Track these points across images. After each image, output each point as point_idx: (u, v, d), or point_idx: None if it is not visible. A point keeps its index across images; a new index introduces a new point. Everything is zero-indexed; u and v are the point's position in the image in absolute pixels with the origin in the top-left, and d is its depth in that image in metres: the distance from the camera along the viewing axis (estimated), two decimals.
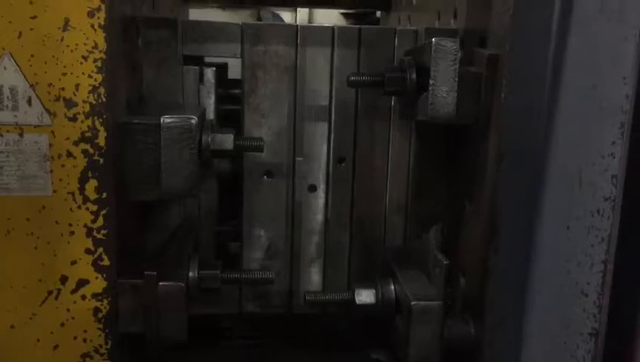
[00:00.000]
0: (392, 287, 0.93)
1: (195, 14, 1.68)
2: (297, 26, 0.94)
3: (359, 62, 0.95)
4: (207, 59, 0.98)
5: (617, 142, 0.63)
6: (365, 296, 0.93)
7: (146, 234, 0.95)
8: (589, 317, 0.67)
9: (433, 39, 0.78)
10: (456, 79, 0.78)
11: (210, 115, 0.95)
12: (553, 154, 0.77)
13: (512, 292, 0.82)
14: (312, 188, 0.97)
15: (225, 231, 1.01)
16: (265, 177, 0.96)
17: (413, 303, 0.84)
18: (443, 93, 0.78)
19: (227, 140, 0.86)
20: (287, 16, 1.69)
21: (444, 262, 0.86)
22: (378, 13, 1.50)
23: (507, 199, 0.80)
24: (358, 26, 0.97)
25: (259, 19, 1.66)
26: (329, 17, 1.70)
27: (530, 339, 0.81)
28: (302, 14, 1.69)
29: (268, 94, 0.94)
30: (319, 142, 0.97)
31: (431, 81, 0.78)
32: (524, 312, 0.82)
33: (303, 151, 0.97)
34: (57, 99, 0.74)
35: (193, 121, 0.79)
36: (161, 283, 0.81)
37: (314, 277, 1.00)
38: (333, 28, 0.95)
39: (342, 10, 1.65)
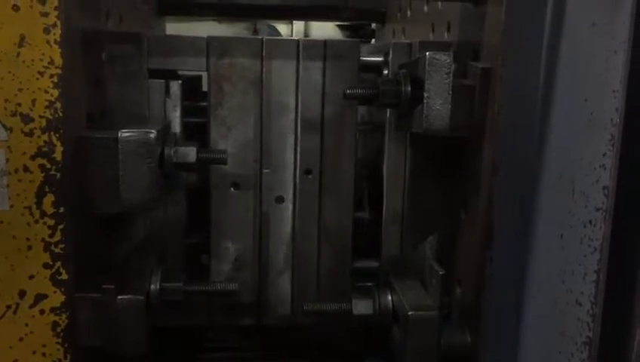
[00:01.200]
0: (390, 297, 0.94)
1: (185, 28, 1.70)
2: (262, 39, 0.95)
3: (325, 75, 0.97)
4: (182, 72, 0.99)
5: (608, 154, 0.64)
6: (363, 307, 0.94)
7: (111, 248, 0.96)
8: (583, 325, 0.68)
9: (427, 53, 0.79)
10: (450, 92, 0.79)
11: (177, 127, 0.96)
12: (546, 165, 0.78)
13: (507, 301, 0.83)
14: (280, 200, 0.98)
15: (194, 243, 1.01)
16: (232, 189, 0.97)
17: (410, 313, 0.85)
18: (437, 105, 0.79)
19: (190, 153, 0.87)
20: (283, 28, 1.70)
21: (440, 273, 0.86)
22: (373, 26, 1.52)
23: (502, 209, 0.81)
24: (323, 39, 0.99)
25: (255, 32, 1.67)
26: (325, 30, 1.72)
27: (526, 348, 0.82)
28: (298, 27, 1.71)
29: (234, 107, 0.95)
30: (286, 153, 0.97)
31: (425, 94, 0.79)
32: (520, 321, 0.83)
33: (270, 162, 0.97)
34: (14, 114, 0.75)
35: (151, 135, 0.79)
36: (119, 297, 0.81)
37: (283, 288, 1.00)
38: (298, 41, 0.97)
39: (337, 23, 1.66)
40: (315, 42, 0.98)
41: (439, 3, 1.01)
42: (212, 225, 0.97)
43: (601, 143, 0.65)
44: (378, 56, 1.05)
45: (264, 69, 0.95)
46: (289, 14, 1.55)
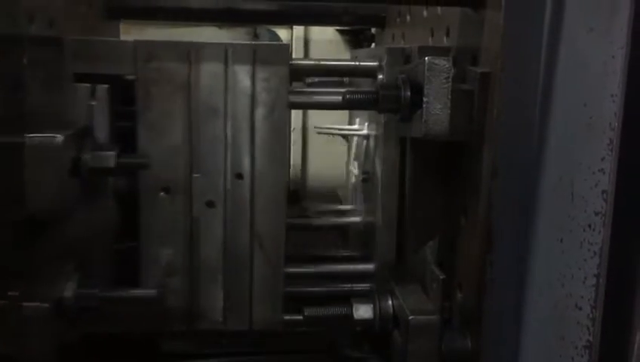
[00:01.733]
0: (390, 302, 0.94)
1: (187, 33, 1.70)
2: (190, 42, 0.95)
3: (254, 79, 0.97)
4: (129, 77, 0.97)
5: (607, 158, 0.64)
6: (363, 311, 0.94)
7: (27, 254, 0.91)
8: (583, 329, 0.68)
9: (426, 58, 0.80)
10: (450, 96, 0.79)
11: (104, 132, 0.95)
12: (546, 169, 0.78)
13: (508, 305, 0.83)
14: (211, 204, 0.97)
15: (127, 248, 1.00)
16: (162, 194, 0.96)
17: (410, 318, 0.85)
18: (437, 110, 0.80)
19: (108, 158, 0.87)
20: (283, 33, 1.70)
21: (441, 277, 0.87)
22: (373, 30, 1.52)
23: (502, 213, 0.81)
24: (252, 43, 1.00)
25: (255, 36, 1.67)
26: (325, 34, 1.72)
27: (526, 352, 0.82)
28: (298, 31, 1.71)
29: (162, 111, 0.95)
30: (216, 157, 0.97)
31: (424, 99, 0.80)
32: (520, 325, 0.83)
33: (200, 167, 0.96)
34: None
35: (58, 140, 0.79)
36: (25, 304, 0.79)
37: (215, 294, 1.00)
38: (226, 45, 0.96)
39: (337, 28, 1.67)
40: (244, 46, 0.98)
41: (438, 8, 1.01)
42: (141, 231, 0.96)
43: (600, 147, 0.65)
44: (374, 61, 1.05)
45: (192, 73, 0.94)
46: (289, 19, 1.55)
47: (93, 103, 0.94)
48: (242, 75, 0.97)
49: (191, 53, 0.94)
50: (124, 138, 0.97)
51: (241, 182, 1.00)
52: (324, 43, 1.72)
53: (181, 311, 0.99)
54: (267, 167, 1.00)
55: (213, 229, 0.98)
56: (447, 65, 0.79)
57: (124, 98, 0.99)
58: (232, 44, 0.98)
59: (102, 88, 0.94)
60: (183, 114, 0.95)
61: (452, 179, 0.94)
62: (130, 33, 1.71)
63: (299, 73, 1.07)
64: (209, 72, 0.95)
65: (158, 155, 0.94)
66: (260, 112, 0.98)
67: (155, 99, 0.94)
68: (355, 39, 1.66)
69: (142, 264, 0.97)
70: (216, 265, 0.99)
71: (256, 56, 0.97)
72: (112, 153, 0.87)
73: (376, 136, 1.10)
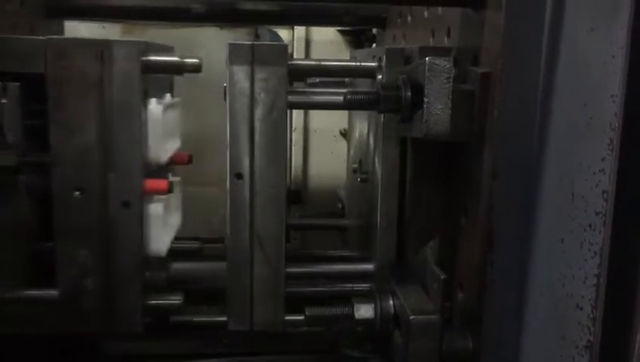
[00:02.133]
0: (391, 302, 0.94)
1: (187, 33, 1.71)
2: (103, 40, 0.93)
3: (253, 79, 0.97)
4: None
5: (607, 158, 0.64)
6: (364, 311, 0.94)
7: None
8: (583, 329, 0.68)
9: (427, 58, 0.80)
10: (450, 97, 0.79)
11: (16, 131, 0.92)
12: (546, 169, 0.78)
13: (509, 305, 0.83)
14: (127, 205, 0.95)
15: (43, 249, 0.98)
16: (76, 193, 0.94)
17: (411, 317, 0.85)
18: (437, 110, 0.80)
19: (11, 157, 0.86)
20: (284, 34, 1.71)
21: (442, 277, 0.87)
22: (374, 30, 1.52)
23: (502, 213, 0.81)
24: (250, 43, 0.99)
25: (257, 37, 1.68)
26: (326, 35, 1.72)
27: (527, 352, 0.82)
28: (299, 32, 1.71)
29: (75, 110, 0.92)
30: (132, 157, 0.94)
31: (425, 99, 0.80)
32: (521, 325, 0.83)
33: (115, 167, 0.94)
34: None
35: None
36: None
37: (133, 295, 0.97)
38: (138, 42, 0.94)
39: (339, 28, 1.67)
40: (242, 46, 0.98)
41: (439, 8, 1.01)
42: (56, 231, 0.94)
43: (601, 148, 0.65)
44: (373, 62, 1.05)
45: (105, 72, 0.92)
46: (290, 20, 1.56)
47: (3, 102, 0.91)
48: (241, 75, 0.97)
49: (104, 51, 0.91)
50: (39, 137, 0.94)
51: (241, 182, 1.00)
52: (325, 43, 1.72)
53: (97, 313, 0.96)
54: (266, 167, 1.00)
55: (130, 229, 0.95)
56: (447, 66, 0.79)
57: (38, 96, 0.95)
58: (231, 44, 0.98)
59: (13, 86, 0.92)
60: (96, 113, 0.92)
61: (452, 179, 0.94)
62: (133, 34, 1.72)
63: (299, 73, 1.07)
64: (122, 70, 0.92)
65: (71, 154, 0.92)
66: (259, 112, 0.98)
67: (67, 97, 0.92)
68: (356, 40, 1.67)
69: (57, 264, 0.94)
70: (134, 266, 0.96)
71: (254, 56, 0.97)
72: (9, 153, 0.86)
73: (375, 137, 1.10)
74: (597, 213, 0.66)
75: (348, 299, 1.00)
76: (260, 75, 0.97)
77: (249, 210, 1.00)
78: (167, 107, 1.04)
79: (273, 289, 1.02)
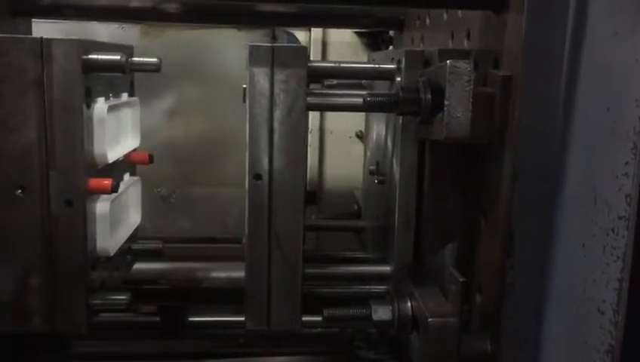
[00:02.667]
0: (409, 304, 0.94)
1: (204, 34, 1.72)
2: (42, 38, 0.92)
3: (272, 81, 0.97)
4: None
5: (631, 163, 0.64)
6: (382, 313, 0.94)
7: None
8: (605, 334, 0.68)
9: (448, 61, 0.80)
10: (471, 100, 0.79)
11: None
12: (568, 173, 0.78)
13: (528, 309, 0.83)
14: (69, 203, 0.93)
15: None
16: (18, 192, 0.93)
17: (430, 320, 0.85)
18: (458, 113, 0.80)
19: None
20: (301, 35, 1.71)
21: (460, 280, 0.87)
22: (391, 33, 1.52)
23: (522, 217, 0.81)
24: (270, 45, 0.99)
25: (274, 38, 1.68)
26: (343, 36, 1.73)
27: (547, 356, 0.82)
28: (315, 33, 1.72)
29: (14, 108, 0.92)
30: (75, 155, 0.93)
31: (446, 102, 0.80)
32: (541, 329, 0.83)
33: (56, 165, 0.93)
34: None
35: None
36: None
37: (77, 294, 0.96)
38: (79, 40, 0.93)
39: (355, 30, 1.67)
40: (262, 48, 0.98)
41: (459, 11, 1.01)
42: None
43: (624, 152, 0.65)
44: (392, 64, 1.05)
45: (45, 69, 0.91)
46: (307, 21, 1.56)
47: None
48: (260, 76, 0.98)
49: (43, 49, 0.91)
50: None
51: (260, 183, 1.00)
52: (342, 45, 1.72)
53: (40, 312, 0.96)
54: (285, 168, 1.00)
55: (73, 228, 0.94)
56: (468, 69, 0.79)
57: None
58: (251, 46, 0.99)
59: None
60: (37, 111, 0.92)
61: (471, 181, 0.94)
62: (149, 35, 1.74)
63: (317, 75, 1.08)
64: (62, 68, 0.91)
65: (12, 152, 0.92)
66: (278, 114, 0.99)
67: (6, 95, 0.91)
68: (373, 41, 1.67)
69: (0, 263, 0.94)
70: (77, 265, 0.95)
71: (274, 58, 0.98)
72: None
73: (393, 138, 1.10)
74: (620, 218, 0.66)
75: (364, 300, 1.00)
76: (279, 76, 0.98)
77: (267, 211, 1.01)
78: (120, 106, 1.05)
79: (291, 289, 1.03)
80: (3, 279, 0.94)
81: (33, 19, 1.43)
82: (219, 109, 1.78)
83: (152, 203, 1.78)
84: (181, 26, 1.70)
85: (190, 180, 1.82)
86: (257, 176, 1.00)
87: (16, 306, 0.95)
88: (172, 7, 1.38)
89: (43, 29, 1.50)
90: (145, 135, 1.79)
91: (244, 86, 1.01)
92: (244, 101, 1.01)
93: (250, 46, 0.98)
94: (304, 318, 1.03)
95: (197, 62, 1.74)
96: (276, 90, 0.98)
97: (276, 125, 0.99)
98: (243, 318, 1.06)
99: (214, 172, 1.83)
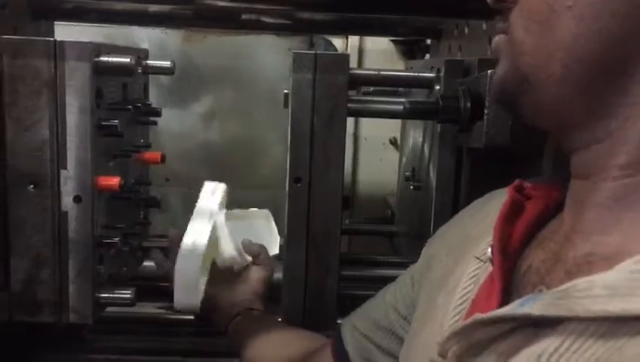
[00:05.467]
0: None
1: (245, 40, 1.76)
2: (55, 40, 0.95)
3: (314, 87, 1.01)
4: None
5: None
6: None
7: None
8: None
9: (489, 71, 0.82)
10: None
11: None
12: None
13: None
14: (78, 199, 0.97)
15: None
16: (30, 187, 0.97)
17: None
18: (498, 122, 0.82)
19: None
20: (338, 42, 1.74)
21: None
22: (428, 41, 1.55)
23: None
24: (313, 52, 1.02)
25: (311, 45, 1.72)
26: (379, 44, 1.75)
27: None
28: (352, 40, 1.75)
29: (29, 106, 0.95)
30: (83, 153, 0.97)
31: (486, 111, 0.82)
32: None
33: (67, 162, 0.96)
34: None
35: None
36: None
37: (85, 288, 0.99)
38: (91, 43, 0.96)
39: (392, 38, 1.70)
40: (305, 55, 1.02)
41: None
42: (11, 223, 0.97)
43: None
44: (430, 72, 1.08)
45: (58, 71, 0.94)
46: (345, 29, 1.59)
47: None
48: (303, 82, 1.01)
49: (56, 51, 0.94)
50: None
51: (299, 186, 1.03)
52: (378, 53, 1.75)
53: (50, 304, 0.99)
54: (325, 172, 1.03)
55: (81, 223, 0.98)
56: None
57: None
58: (295, 53, 1.02)
59: None
60: (49, 110, 0.95)
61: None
62: (191, 40, 1.79)
63: (358, 82, 1.11)
64: (74, 69, 0.94)
65: (25, 150, 0.95)
66: (319, 119, 1.02)
67: (21, 95, 0.95)
68: (409, 50, 1.69)
69: (12, 256, 0.98)
70: (84, 260, 0.99)
71: (317, 65, 1.01)
72: None
73: (430, 145, 1.12)
74: None
75: None
76: (321, 83, 1.01)
77: (306, 213, 1.03)
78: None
79: (327, 291, 1.05)
80: (15, 271, 0.98)
81: (76, 24, 1.49)
82: (255, 113, 1.82)
83: (186, 204, 1.83)
84: (222, 32, 1.75)
85: (225, 182, 1.86)
86: (297, 180, 1.03)
87: (27, 297, 0.99)
88: (209, 12, 1.42)
89: (87, 32, 1.56)
90: (182, 137, 1.84)
91: (286, 91, 1.05)
92: (285, 106, 1.04)
93: (294, 53, 1.01)
94: (339, 320, 1.05)
95: (236, 67, 1.78)
96: (318, 96, 1.01)
97: (317, 130, 1.02)
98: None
99: (248, 174, 1.86)
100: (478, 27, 1.14)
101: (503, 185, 0.98)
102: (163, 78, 1.75)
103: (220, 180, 1.92)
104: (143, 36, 1.78)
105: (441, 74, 1.03)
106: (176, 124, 1.80)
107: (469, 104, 0.88)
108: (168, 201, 1.77)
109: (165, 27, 1.74)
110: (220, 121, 1.84)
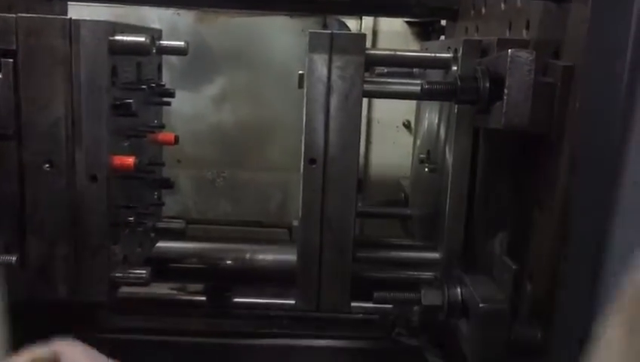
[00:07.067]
0: (459, 290, 0.95)
1: (256, 22, 1.74)
2: (70, 19, 0.95)
3: (330, 67, 1.00)
4: None
5: None
6: (432, 297, 0.96)
7: None
8: None
9: (509, 50, 0.80)
10: (531, 89, 0.80)
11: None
12: (628, 166, 0.78)
13: (581, 299, 0.83)
14: (93, 178, 0.97)
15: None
16: (46, 166, 0.97)
17: (481, 305, 0.86)
18: (518, 102, 0.80)
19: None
20: (352, 23, 1.72)
21: (513, 267, 0.87)
22: (443, 22, 1.52)
23: (579, 209, 0.81)
24: (330, 32, 1.01)
25: (324, 26, 1.70)
26: (393, 25, 1.73)
27: None
28: (366, 22, 1.73)
29: (43, 85, 0.95)
30: (98, 132, 0.97)
31: (506, 91, 0.81)
32: (594, 320, 0.83)
33: (82, 141, 0.97)
34: None
35: None
36: None
37: (100, 266, 1.00)
38: (106, 22, 0.96)
39: (407, 19, 1.68)
40: (321, 34, 1.01)
41: (518, 1, 1.01)
42: (28, 201, 0.98)
43: None
44: (447, 53, 1.06)
45: (73, 48, 0.94)
46: (359, 10, 1.57)
47: None
48: (319, 62, 1.00)
49: (72, 29, 0.94)
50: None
51: (314, 167, 1.03)
52: (392, 34, 1.73)
53: (66, 281, 1.00)
54: (340, 154, 1.02)
55: (95, 201, 0.98)
56: (530, 58, 0.80)
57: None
58: (311, 32, 1.01)
59: (5, 62, 0.94)
60: (64, 89, 0.95)
61: (526, 171, 0.94)
62: (204, 21, 1.77)
63: (374, 63, 1.09)
64: (89, 48, 0.94)
65: (41, 129, 0.96)
66: (335, 100, 1.01)
67: (36, 73, 0.95)
68: (424, 31, 1.67)
69: (28, 233, 0.99)
70: (100, 238, 0.99)
71: (333, 45, 1.00)
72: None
73: (447, 127, 1.11)
74: None
75: (412, 285, 1.02)
76: (337, 63, 1.00)
77: (321, 194, 1.03)
78: None
79: (341, 272, 1.05)
80: (32, 249, 0.99)
81: (88, 4, 1.49)
82: (268, 95, 1.81)
83: (197, 185, 1.83)
84: (235, 12, 1.73)
85: (236, 164, 1.86)
86: (312, 161, 1.02)
87: (43, 274, 1.00)
88: None
89: (98, 11, 1.55)
90: (194, 119, 1.83)
91: (301, 72, 1.03)
92: (300, 87, 1.03)
93: (310, 32, 1.00)
94: (354, 304, 1.05)
95: (248, 48, 1.77)
96: (334, 77, 1.00)
97: (333, 111, 1.01)
98: (286, 301, 1.09)
99: (259, 157, 1.86)
100: (496, 7, 1.12)
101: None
102: (174, 60, 1.74)
103: (232, 162, 1.93)
104: (155, 17, 1.77)
105: (459, 54, 1.01)
106: (187, 105, 1.80)
107: (487, 84, 0.87)
108: (179, 183, 1.77)
109: (178, 7, 1.73)
110: (232, 103, 1.84)
